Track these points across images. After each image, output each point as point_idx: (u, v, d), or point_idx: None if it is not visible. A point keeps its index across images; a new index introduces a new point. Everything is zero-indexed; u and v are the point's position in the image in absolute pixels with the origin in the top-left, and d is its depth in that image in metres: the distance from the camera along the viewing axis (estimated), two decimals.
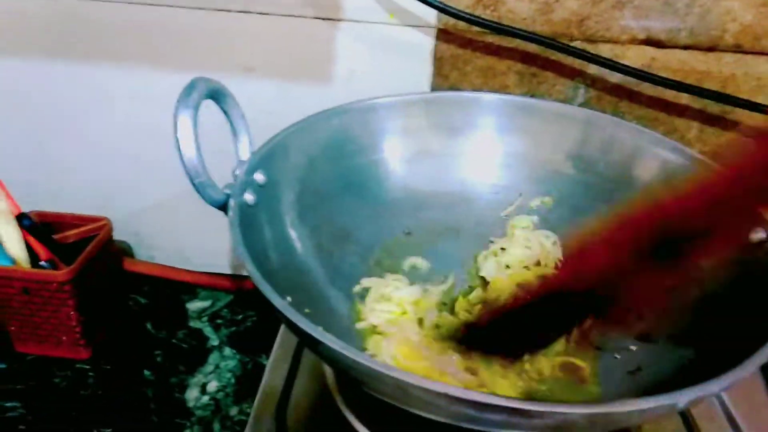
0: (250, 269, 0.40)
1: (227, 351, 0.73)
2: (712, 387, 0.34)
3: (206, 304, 0.79)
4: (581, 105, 0.70)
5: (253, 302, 0.79)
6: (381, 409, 0.46)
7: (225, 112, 0.50)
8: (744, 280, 0.46)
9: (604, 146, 0.58)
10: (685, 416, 0.51)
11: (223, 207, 0.47)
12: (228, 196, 0.47)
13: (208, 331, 0.76)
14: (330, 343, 0.35)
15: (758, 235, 0.48)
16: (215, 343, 0.74)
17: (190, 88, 0.45)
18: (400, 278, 0.57)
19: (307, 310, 0.45)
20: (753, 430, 0.49)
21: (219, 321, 0.77)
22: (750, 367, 0.35)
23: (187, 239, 0.81)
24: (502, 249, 0.58)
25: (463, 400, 0.33)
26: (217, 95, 0.48)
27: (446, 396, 0.33)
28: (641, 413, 0.34)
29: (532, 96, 0.69)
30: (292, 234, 0.52)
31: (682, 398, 0.34)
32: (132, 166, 0.77)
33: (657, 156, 0.56)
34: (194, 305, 0.79)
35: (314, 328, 0.36)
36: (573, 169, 0.59)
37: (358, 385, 0.47)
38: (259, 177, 0.51)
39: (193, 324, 0.76)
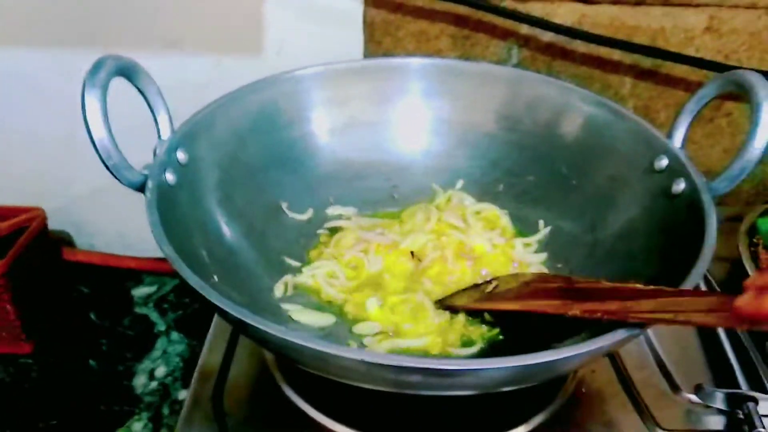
0: (164, 249, 0.39)
1: (174, 335, 0.72)
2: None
3: (152, 289, 0.78)
4: (515, 66, 0.69)
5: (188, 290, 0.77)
6: (321, 384, 0.46)
7: (139, 90, 0.48)
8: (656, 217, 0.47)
9: (530, 105, 0.58)
10: (616, 363, 0.52)
11: (142, 188, 0.45)
12: (146, 176, 0.45)
13: (154, 316, 0.74)
14: (243, 317, 0.34)
15: (661, 162, 0.49)
16: (162, 328, 0.73)
17: (97, 67, 0.43)
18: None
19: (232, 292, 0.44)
20: (682, 375, 0.51)
21: (165, 305, 0.76)
22: None
23: (128, 225, 0.79)
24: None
25: (375, 365, 0.33)
26: (128, 72, 0.46)
27: (361, 362, 0.33)
28: (567, 360, 0.34)
29: (467, 59, 0.69)
30: (219, 213, 0.51)
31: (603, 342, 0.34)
32: (64, 153, 0.74)
33: (582, 111, 0.56)
34: (139, 291, 0.78)
35: (226, 302, 0.35)
36: (501, 130, 0.59)
37: (289, 363, 0.47)
38: (180, 156, 0.49)
39: (139, 310, 0.75)
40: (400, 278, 0.53)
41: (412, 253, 0.54)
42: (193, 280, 0.37)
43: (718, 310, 0.36)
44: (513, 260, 0.55)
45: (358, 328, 0.49)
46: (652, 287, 0.40)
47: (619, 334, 0.35)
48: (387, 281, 0.52)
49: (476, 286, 0.52)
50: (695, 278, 0.38)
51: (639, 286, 0.41)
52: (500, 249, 0.55)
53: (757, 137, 0.44)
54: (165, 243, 0.40)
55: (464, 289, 0.52)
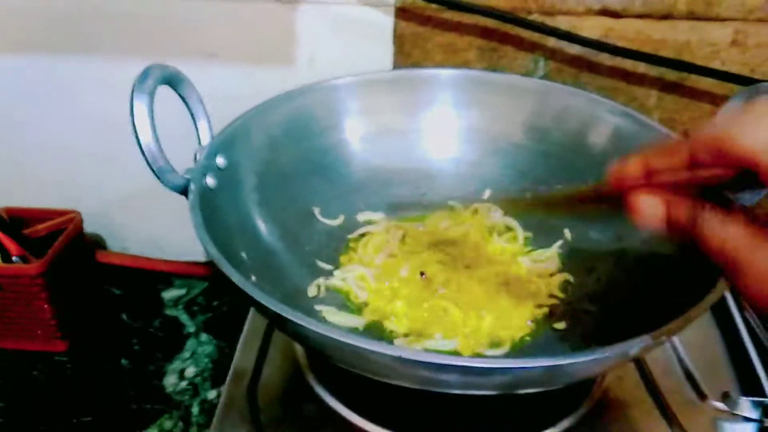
0: (208, 249, 0.41)
1: (204, 337, 0.74)
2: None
3: (181, 292, 0.80)
4: (542, 78, 0.70)
5: (228, 288, 0.79)
6: (353, 383, 0.47)
7: (182, 98, 0.50)
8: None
9: (558, 116, 0.59)
10: (642, 370, 0.53)
11: (184, 192, 0.47)
12: (188, 180, 0.47)
13: (184, 318, 0.76)
14: (284, 312, 0.36)
15: None
16: (191, 329, 0.75)
17: (145, 74, 0.46)
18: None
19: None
20: (708, 382, 0.51)
21: (195, 308, 0.78)
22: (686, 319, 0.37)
23: (160, 229, 0.81)
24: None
25: (413, 362, 0.34)
26: (173, 81, 0.48)
27: (399, 359, 0.34)
28: (594, 362, 0.35)
29: (494, 70, 0.70)
30: (257, 216, 0.53)
31: (629, 346, 0.35)
32: (100, 158, 0.77)
33: (609, 122, 0.57)
34: (169, 294, 0.79)
35: (268, 299, 0.37)
36: (529, 141, 0.60)
37: (323, 359, 0.48)
38: (220, 161, 0.51)
39: (169, 312, 0.77)
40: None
41: (422, 273, 0.56)
42: (237, 278, 0.39)
43: None
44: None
45: (388, 330, 0.50)
46: None
47: (640, 342, 0.36)
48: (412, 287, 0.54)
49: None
50: (717, 294, 0.39)
51: None
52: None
53: None
54: (210, 244, 0.41)
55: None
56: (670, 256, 0.49)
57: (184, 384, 0.68)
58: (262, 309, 0.39)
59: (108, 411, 0.65)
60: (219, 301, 0.78)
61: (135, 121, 0.44)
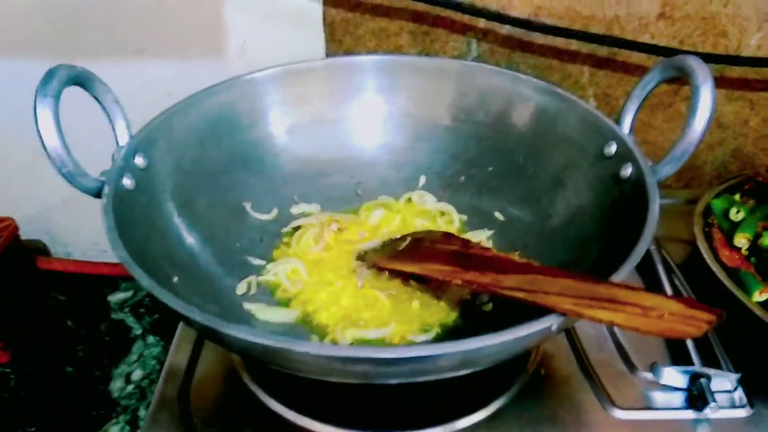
0: (118, 253, 0.40)
1: (151, 339, 0.73)
2: None
3: (128, 294, 0.79)
4: (475, 59, 0.70)
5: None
6: (287, 380, 0.47)
7: (95, 98, 0.49)
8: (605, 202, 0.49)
9: (483, 96, 0.59)
10: (575, 345, 0.53)
11: (99, 194, 0.46)
12: (102, 183, 0.46)
13: (130, 321, 0.75)
14: (194, 315, 0.35)
15: (610, 148, 0.50)
16: (138, 332, 0.74)
17: (49, 76, 0.44)
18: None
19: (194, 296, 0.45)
20: (638, 355, 0.52)
21: (142, 310, 0.77)
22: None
23: (102, 232, 0.80)
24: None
25: (322, 357, 0.34)
26: (82, 81, 0.47)
27: (308, 354, 0.34)
28: (519, 340, 0.36)
29: (427, 54, 0.70)
30: (179, 217, 0.52)
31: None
32: (34, 163, 0.75)
33: (533, 100, 0.57)
34: (116, 297, 0.78)
35: (178, 302, 0.36)
36: (457, 123, 0.60)
37: (251, 361, 0.48)
38: (139, 160, 0.50)
39: (115, 316, 0.76)
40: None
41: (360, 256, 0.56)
42: (147, 282, 0.38)
43: (567, 294, 0.37)
44: None
45: (319, 321, 0.50)
46: (523, 261, 0.45)
47: (534, 326, 0.36)
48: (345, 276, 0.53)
49: (393, 240, 0.55)
50: (637, 256, 0.40)
51: (515, 259, 0.46)
52: None
53: (697, 119, 0.45)
54: (119, 247, 0.40)
55: (383, 245, 0.55)
56: (589, 228, 0.50)
57: (130, 388, 0.67)
58: (178, 314, 0.38)
59: (53, 420, 0.64)
60: None
61: (39, 127, 0.43)
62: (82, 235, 0.81)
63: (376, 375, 0.39)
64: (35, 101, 0.43)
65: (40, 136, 0.43)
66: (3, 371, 0.69)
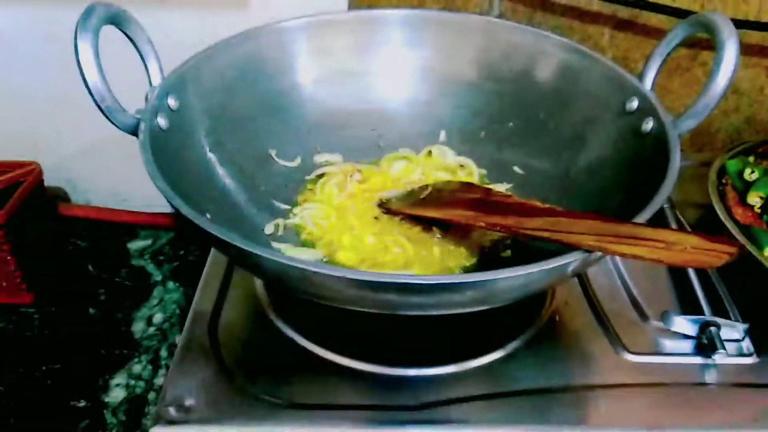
0: (157, 184, 0.41)
1: (170, 285, 0.74)
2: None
3: (147, 242, 0.80)
4: (498, 17, 0.71)
5: (181, 224, 0.80)
6: (314, 316, 0.49)
7: (129, 38, 0.50)
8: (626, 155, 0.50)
9: (507, 52, 0.60)
10: (588, 294, 0.55)
11: (135, 132, 0.47)
12: (138, 120, 0.47)
13: (150, 268, 0.77)
14: (233, 241, 0.37)
15: (632, 103, 0.51)
16: (158, 278, 0.75)
17: (88, 13, 0.45)
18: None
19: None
20: (651, 304, 0.54)
21: (161, 258, 0.78)
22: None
23: (123, 181, 0.81)
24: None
25: (360, 281, 0.35)
26: (118, 20, 0.48)
27: (344, 279, 0.35)
28: (541, 274, 0.37)
29: (450, 10, 0.70)
30: (210, 157, 0.53)
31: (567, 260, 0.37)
32: (56, 111, 0.76)
33: (557, 57, 0.58)
34: (135, 245, 0.80)
35: (217, 228, 0.38)
36: (481, 79, 0.61)
37: (285, 292, 0.50)
38: (171, 102, 0.51)
39: (135, 262, 0.77)
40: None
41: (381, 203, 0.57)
42: (187, 211, 0.40)
43: (590, 233, 0.38)
44: None
45: (343, 262, 0.52)
46: (546, 206, 0.46)
47: (559, 260, 0.38)
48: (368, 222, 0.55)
49: (414, 189, 0.57)
50: (657, 204, 0.41)
51: (537, 204, 0.47)
52: None
53: (720, 74, 0.46)
54: (159, 179, 0.42)
55: (405, 194, 0.56)
56: (610, 181, 0.51)
57: (152, 330, 0.69)
58: (217, 242, 0.39)
59: (76, 358, 0.66)
60: (185, 250, 0.79)
61: (80, 61, 0.44)
62: (101, 184, 0.82)
63: (402, 304, 0.40)
64: (75, 36, 0.44)
65: (82, 71, 0.44)
66: (27, 311, 0.70)
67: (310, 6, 0.66)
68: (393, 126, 0.64)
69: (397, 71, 0.63)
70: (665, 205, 0.62)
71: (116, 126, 0.47)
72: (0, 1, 0.69)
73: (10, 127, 0.77)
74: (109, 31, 0.47)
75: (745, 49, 0.72)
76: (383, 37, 0.62)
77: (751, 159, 0.64)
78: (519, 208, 0.47)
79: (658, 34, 0.71)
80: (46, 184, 0.75)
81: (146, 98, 0.50)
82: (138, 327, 0.69)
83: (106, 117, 0.46)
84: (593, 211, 0.50)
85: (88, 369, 0.64)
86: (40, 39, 0.71)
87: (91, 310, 0.71)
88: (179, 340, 0.52)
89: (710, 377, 0.49)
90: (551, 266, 0.37)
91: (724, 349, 0.49)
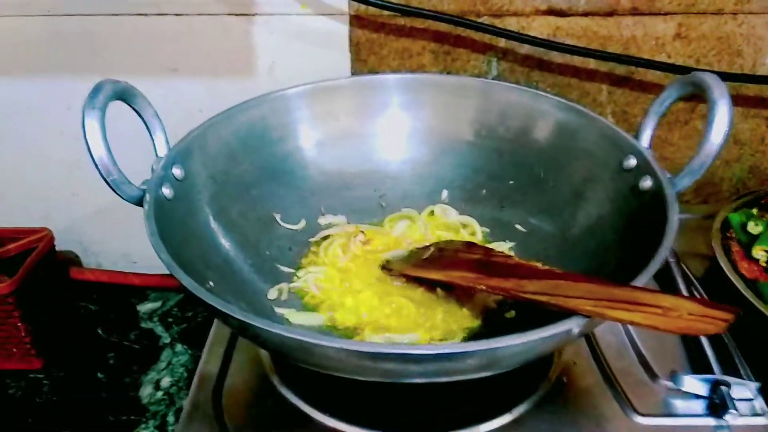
0: (161, 256, 0.42)
1: (179, 347, 0.75)
2: None
3: (156, 305, 0.81)
4: (495, 78, 0.73)
5: (186, 295, 0.80)
6: (318, 383, 0.49)
7: (136, 112, 0.51)
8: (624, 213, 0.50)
9: (504, 112, 0.61)
10: (596, 353, 0.54)
11: (140, 203, 0.49)
12: (144, 191, 0.48)
13: (159, 330, 0.77)
14: (233, 313, 0.37)
15: (629, 161, 0.52)
16: (167, 340, 0.76)
17: (96, 90, 0.47)
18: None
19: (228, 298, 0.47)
20: (659, 363, 0.53)
21: (170, 320, 0.79)
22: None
23: (133, 243, 0.83)
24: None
25: (355, 352, 0.35)
26: (125, 95, 0.50)
27: (342, 350, 0.36)
28: (542, 341, 0.37)
29: (448, 73, 0.72)
30: (214, 224, 0.54)
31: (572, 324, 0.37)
32: (69, 176, 0.78)
33: (553, 116, 0.59)
34: (145, 307, 0.81)
35: (218, 300, 0.38)
36: (479, 138, 0.62)
37: (281, 358, 0.50)
38: (177, 171, 0.52)
39: (144, 325, 0.78)
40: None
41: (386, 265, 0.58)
42: (189, 283, 0.40)
43: (588, 297, 0.38)
44: None
45: (347, 326, 0.52)
46: (545, 268, 0.46)
47: (558, 327, 0.37)
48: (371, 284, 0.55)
49: (417, 250, 0.57)
50: (657, 262, 0.41)
51: (537, 266, 0.47)
52: None
53: (713, 133, 0.47)
54: (162, 250, 0.43)
55: (407, 255, 0.57)
56: (609, 238, 0.51)
57: (159, 394, 0.69)
58: (217, 313, 0.40)
59: (85, 425, 0.65)
60: (194, 312, 0.80)
61: (87, 137, 0.46)
62: (112, 246, 0.84)
63: (404, 373, 0.40)
64: (83, 113, 0.46)
65: (88, 146, 0.46)
66: (36, 377, 0.71)
67: (314, 72, 0.68)
68: (395, 186, 0.65)
69: (397, 133, 0.65)
70: (670, 260, 0.61)
71: (122, 198, 0.48)
72: (27, 71, 0.72)
73: (24, 191, 0.79)
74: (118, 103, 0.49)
75: (744, 101, 0.73)
76: (383, 101, 0.64)
77: (755, 211, 0.63)
78: (519, 270, 0.47)
79: (656, 88, 0.72)
80: (57, 247, 0.76)
81: (152, 169, 0.51)
82: (146, 391, 0.69)
83: (113, 189, 0.47)
84: (594, 269, 0.51)
85: None
86: (62, 108, 0.73)
87: (99, 375, 0.71)
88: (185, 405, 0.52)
89: None
90: (551, 333, 0.37)
91: (736, 409, 0.48)
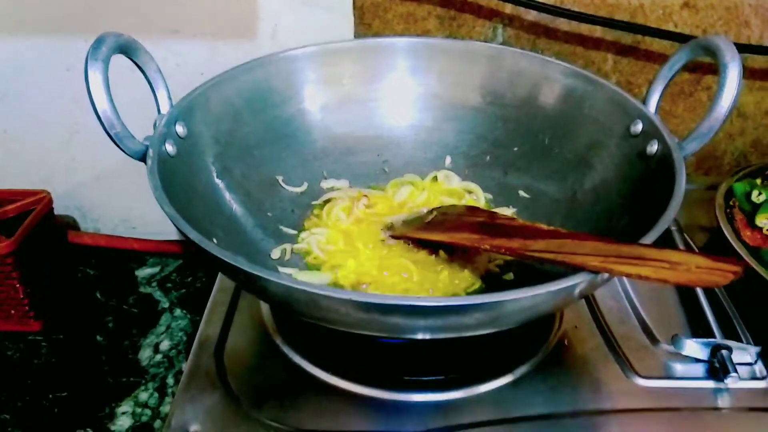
0: (165, 209, 0.42)
1: (178, 312, 0.74)
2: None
3: (155, 270, 0.80)
4: (501, 44, 0.72)
5: (190, 249, 0.80)
6: (319, 340, 0.49)
7: (139, 67, 0.51)
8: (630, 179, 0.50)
9: (512, 79, 0.61)
10: (597, 318, 0.55)
11: (144, 159, 0.48)
12: (147, 146, 0.48)
13: (158, 295, 0.77)
14: (240, 265, 0.37)
15: (636, 126, 0.52)
16: (166, 305, 0.75)
17: (99, 42, 0.46)
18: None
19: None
20: (660, 328, 0.53)
21: (169, 285, 0.78)
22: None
23: (132, 208, 0.82)
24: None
25: (365, 304, 0.35)
26: (128, 49, 0.49)
27: (350, 302, 0.35)
28: (549, 296, 0.37)
29: (454, 39, 0.71)
30: (218, 183, 0.54)
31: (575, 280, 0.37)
32: (68, 139, 0.77)
33: (561, 83, 0.58)
34: (143, 272, 0.80)
35: (224, 253, 0.38)
36: (485, 105, 0.62)
37: (284, 313, 0.50)
38: (179, 129, 0.52)
39: (143, 290, 0.78)
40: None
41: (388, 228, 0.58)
42: (195, 236, 0.40)
43: (595, 254, 0.38)
44: None
45: (349, 286, 0.52)
46: (550, 228, 0.45)
47: (565, 282, 0.38)
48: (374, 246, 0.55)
49: (419, 215, 0.57)
50: (663, 225, 0.41)
51: (542, 226, 0.47)
52: None
53: (724, 96, 0.47)
54: (166, 204, 0.42)
55: (410, 218, 0.57)
56: (615, 203, 0.51)
57: (159, 357, 0.69)
58: (223, 266, 0.40)
59: (83, 385, 0.65)
60: (192, 277, 0.79)
61: (90, 89, 0.45)
62: (111, 211, 0.83)
63: (410, 328, 0.40)
64: (86, 65, 0.45)
65: (92, 99, 0.45)
66: (35, 339, 0.70)
67: (316, 36, 0.67)
68: (399, 151, 0.65)
69: (402, 98, 0.64)
70: (673, 228, 0.61)
71: (125, 152, 0.47)
72: (25, 31, 0.71)
73: (22, 155, 0.78)
74: (120, 60, 0.48)
75: (749, 73, 0.72)
76: (389, 65, 0.63)
77: (758, 181, 0.64)
78: (524, 230, 0.47)
79: (661, 59, 0.71)
80: (56, 212, 0.76)
81: (155, 125, 0.51)
82: (145, 354, 0.69)
83: (116, 143, 0.47)
84: (599, 233, 0.51)
85: (94, 397, 0.64)
86: (60, 69, 0.72)
87: (98, 338, 0.71)
88: (185, 366, 0.52)
89: (723, 402, 0.48)
90: (559, 287, 0.37)
91: (736, 372, 0.48)
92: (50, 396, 0.64)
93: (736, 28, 0.70)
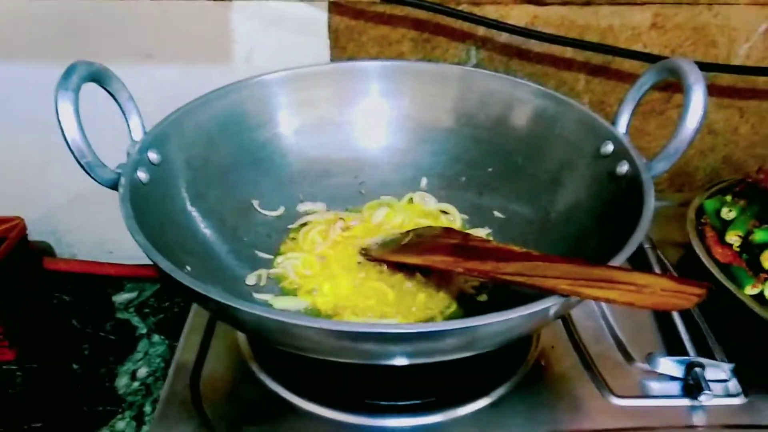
0: (136, 238, 0.42)
1: (156, 338, 0.74)
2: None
3: (132, 295, 0.80)
4: (475, 66, 0.73)
5: (163, 279, 0.79)
6: (294, 367, 0.49)
7: (111, 94, 0.51)
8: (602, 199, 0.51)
9: (483, 100, 0.61)
10: (573, 337, 0.55)
11: (115, 186, 0.48)
12: (119, 174, 0.48)
13: (135, 321, 0.76)
14: (210, 294, 0.37)
15: (607, 147, 0.52)
16: (143, 331, 0.75)
17: (69, 72, 0.46)
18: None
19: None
20: (635, 346, 0.54)
21: (146, 310, 0.78)
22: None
23: (107, 232, 0.81)
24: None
25: (326, 331, 0.35)
26: (99, 78, 0.49)
27: (320, 330, 0.35)
28: (521, 320, 0.37)
29: (428, 61, 0.72)
30: (191, 209, 0.54)
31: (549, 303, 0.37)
32: (42, 164, 0.77)
33: (531, 104, 0.59)
34: (120, 297, 0.79)
35: (195, 282, 0.38)
36: (458, 126, 0.62)
37: (259, 341, 0.49)
38: (152, 156, 0.52)
39: (120, 315, 0.77)
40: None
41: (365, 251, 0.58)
42: (166, 265, 0.40)
43: (565, 277, 0.39)
44: None
45: (326, 311, 0.52)
46: (522, 251, 0.46)
47: (537, 305, 0.38)
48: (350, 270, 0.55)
49: (395, 236, 0.58)
50: (632, 246, 0.42)
51: (515, 248, 0.47)
52: None
53: (689, 117, 0.48)
54: (137, 232, 0.42)
55: (386, 241, 0.57)
56: (587, 224, 0.52)
57: (136, 385, 0.68)
58: (195, 296, 0.39)
59: (59, 415, 0.64)
60: (170, 302, 0.79)
61: (60, 119, 0.45)
62: (86, 236, 0.82)
63: (384, 354, 0.40)
64: (56, 94, 0.45)
65: (62, 128, 0.45)
66: (9, 368, 0.69)
67: (292, 59, 0.68)
68: (375, 173, 0.65)
69: (377, 120, 0.64)
70: (646, 246, 0.62)
71: (97, 181, 0.47)
72: (3, 54, 0.70)
73: None
74: (93, 87, 0.48)
75: (718, 91, 0.74)
76: (362, 89, 0.63)
77: (729, 198, 0.65)
78: (497, 252, 0.47)
79: (633, 78, 0.72)
80: (30, 237, 0.75)
81: (128, 153, 0.51)
82: (122, 382, 0.68)
83: (87, 172, 0.47)
84: (572, 253, 0.51)
85: (71, 427, 0.63)
86: (34, 94, 0.71)
87: (74, 366, 0.70)
88: (161, 394, 0.51)
89: (698, 419, 0.48)
90: (531, 311, 0.37)
91: (710, 389, 0.49)
92: (25, 427, 0.63)
93: (704, 47, 0.71)
